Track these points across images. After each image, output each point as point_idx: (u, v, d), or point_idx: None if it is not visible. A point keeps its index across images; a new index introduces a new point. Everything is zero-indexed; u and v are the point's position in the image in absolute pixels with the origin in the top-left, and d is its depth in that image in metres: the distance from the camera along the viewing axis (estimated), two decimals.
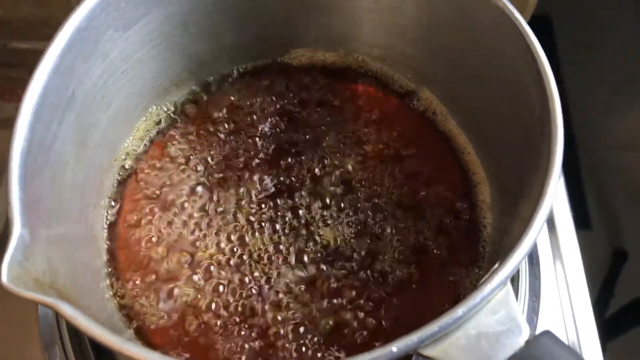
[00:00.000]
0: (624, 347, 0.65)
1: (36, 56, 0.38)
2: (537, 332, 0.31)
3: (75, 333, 0.48)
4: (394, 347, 0.28)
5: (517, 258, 0.31)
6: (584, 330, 0.51)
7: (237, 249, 0.46)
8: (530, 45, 0.39)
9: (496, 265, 0.32)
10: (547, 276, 0.52)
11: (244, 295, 0.44)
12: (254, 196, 0.48)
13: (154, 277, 0.45)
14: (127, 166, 0.50)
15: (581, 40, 0.75)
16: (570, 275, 0.53)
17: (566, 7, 0.75)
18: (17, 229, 0.32)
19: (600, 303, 0.54)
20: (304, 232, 0.46)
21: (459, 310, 0.29)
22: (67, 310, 0.30)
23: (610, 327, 0.57)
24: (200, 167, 0.50)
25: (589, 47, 0.75)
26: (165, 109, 0.53)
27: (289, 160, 0.50)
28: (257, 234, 0.46)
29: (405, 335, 0.29)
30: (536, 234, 0.32)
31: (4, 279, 0.30)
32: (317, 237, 0.46)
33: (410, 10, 0.50)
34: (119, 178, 0.49)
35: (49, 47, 0.38)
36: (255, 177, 0.49)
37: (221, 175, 0.49)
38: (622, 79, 0.75)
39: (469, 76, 0.48)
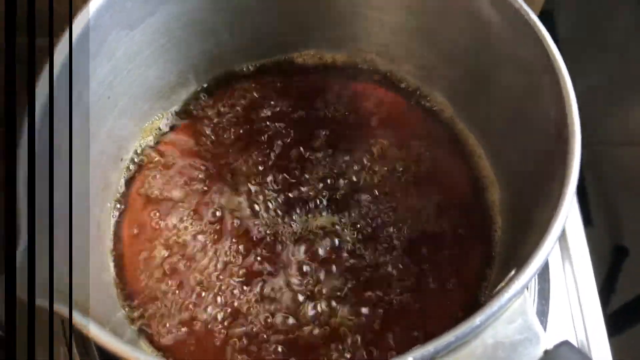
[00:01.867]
0: (629, 343, 0.65)
1: (37, 52, 0.37)
2: (547, 335, 0.30)
3: (80, 333, 0.47)
4: (410, 358, 0.28)
5: (535, 266, 0.30)
6: (593, 332, 0.51)
7: (244, 250, 0.45)
8: (545, 46, 0.39)
9: (513, 272, 0.31)
10: (556, 279, 0.51)
11: (251, 300, 0.43)
12: (261, 196, 0.47)
13: (160, 279, 0.44)
14: (133, 168, 0.49)
15: (583, 36, 0.75)
16: (579, 277, 0.52)
17: (569, 2, 0.74)
18: (25, 236, 0.31)
19: (602, 300, 0.54)
20: (315, 230, 0.46)
21: (476, 320, 0.29)
22: (77, 318, 0.30)
23: (613, 324, 0.57)
24: (207, 168, 0.49)
25: (591, 43, 0.75)
26: (171, 109, 0.52)
27: (297, 160, 0.49)
28: (265, 234, 0.46)
29: (421, 344, 0.28)
30: (554, 241, 0.31)
31: None
32: (326, 239, 0.45)
33: (419, 9, 0.49)
34: (124, 180, 0.48)
35: (55, 46, 0.37)
36: (263, 178, 0.48)
37: (229, 175, 0.49)
38: (623, 74, 0.75)
39: (480, 77, 0.48)
